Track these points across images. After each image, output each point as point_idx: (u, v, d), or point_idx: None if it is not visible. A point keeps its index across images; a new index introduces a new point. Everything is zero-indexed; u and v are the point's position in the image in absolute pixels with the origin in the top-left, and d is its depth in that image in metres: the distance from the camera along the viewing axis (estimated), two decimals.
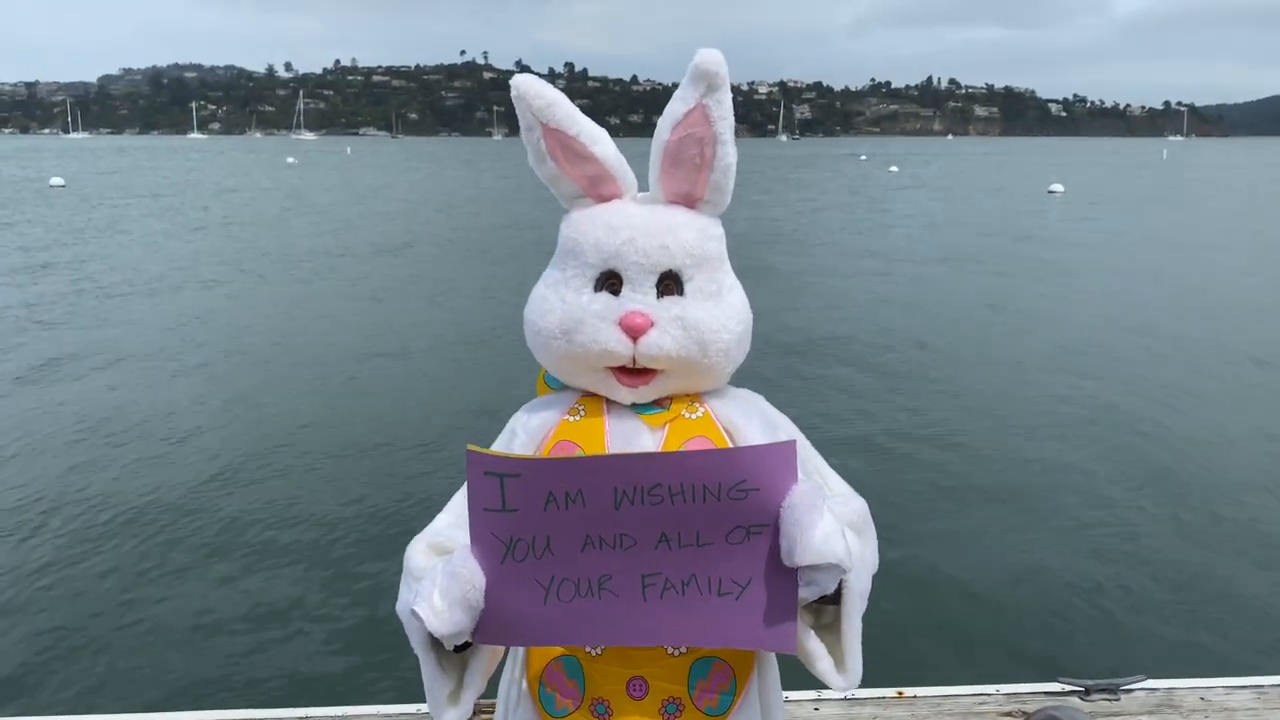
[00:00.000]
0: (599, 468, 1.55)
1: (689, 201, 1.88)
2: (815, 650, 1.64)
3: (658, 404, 1.84)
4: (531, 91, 1.77)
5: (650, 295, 1.78)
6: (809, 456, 1.87)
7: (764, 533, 1.53)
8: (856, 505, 1.75)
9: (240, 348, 12.75)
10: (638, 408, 1.83)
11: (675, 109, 1.77)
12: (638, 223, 1.81)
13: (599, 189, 1.88)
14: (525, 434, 1.88)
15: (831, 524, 1.49)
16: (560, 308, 1.81)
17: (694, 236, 1.83)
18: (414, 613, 1.53)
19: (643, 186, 1.93)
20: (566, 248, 1.86)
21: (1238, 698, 3.48)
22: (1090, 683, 3.47)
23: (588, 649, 1.75)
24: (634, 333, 1.74)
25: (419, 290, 17.80)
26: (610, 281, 1.80)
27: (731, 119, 1.78)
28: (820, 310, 15.45)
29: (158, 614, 5.78)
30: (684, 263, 1.80)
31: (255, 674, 5.16)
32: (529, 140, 1.82)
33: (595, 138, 1.82)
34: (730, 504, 1.52)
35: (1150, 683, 3.53)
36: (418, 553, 1.74)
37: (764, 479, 1.52)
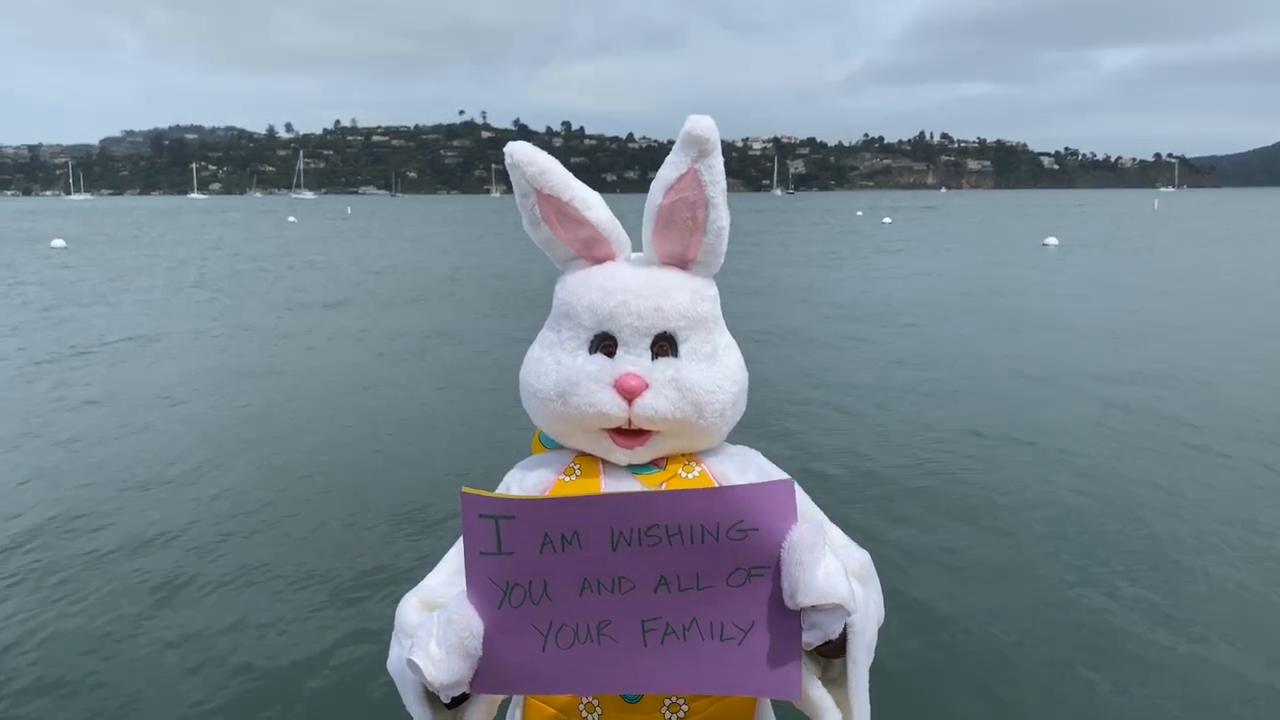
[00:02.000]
0: (595, 507, 1.53)
1: (682, 263, 1.90)
2: (822, 701, 1.61)
3: (654, 464, 1.85)
4: (525, 159, 1.81)
5: (645, 357, 1.80)
6: (808, 509, 1.86)
7: (765, 575, 1.51)
8: (859, 555, 1.75)
9: (236, 402, 12.74)
10: (633, 468, 1.84)
11: (667, 174, 1.80)
12: (631, 285, 1.84)
13: (593, 251, 1.91)
14: (520, 492, 1.89)
15: (834, 563, 1.47)
16: (555, 370, 1.83)
17: (688, 298, 1.85)
18: (411, 663, 1.50)
19: (636, 246, 1.97)
20: (561, 310, 1.89)
21: None
22: None
23: (583, 711, 1.75)
24: (629, 395, 1.75)
25: (415, 346, 17.83)
26: (605, 343, 1.82)
27: (723, 183, 1.81)
28: (816, 362, 15.48)
29: (151, 676, 5.71)
30: (678, 324, 1.83)
31: None
32: (523, 206, 1.86)
33: (589, 203, 1.85)
34: (729, 544, 1.51)
35: None
36: (409, 609, 1.72)
37: (763, 519, 1.50)
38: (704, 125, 1.76)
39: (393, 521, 8.23)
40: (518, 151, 1.82)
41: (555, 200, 1.83)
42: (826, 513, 1.91)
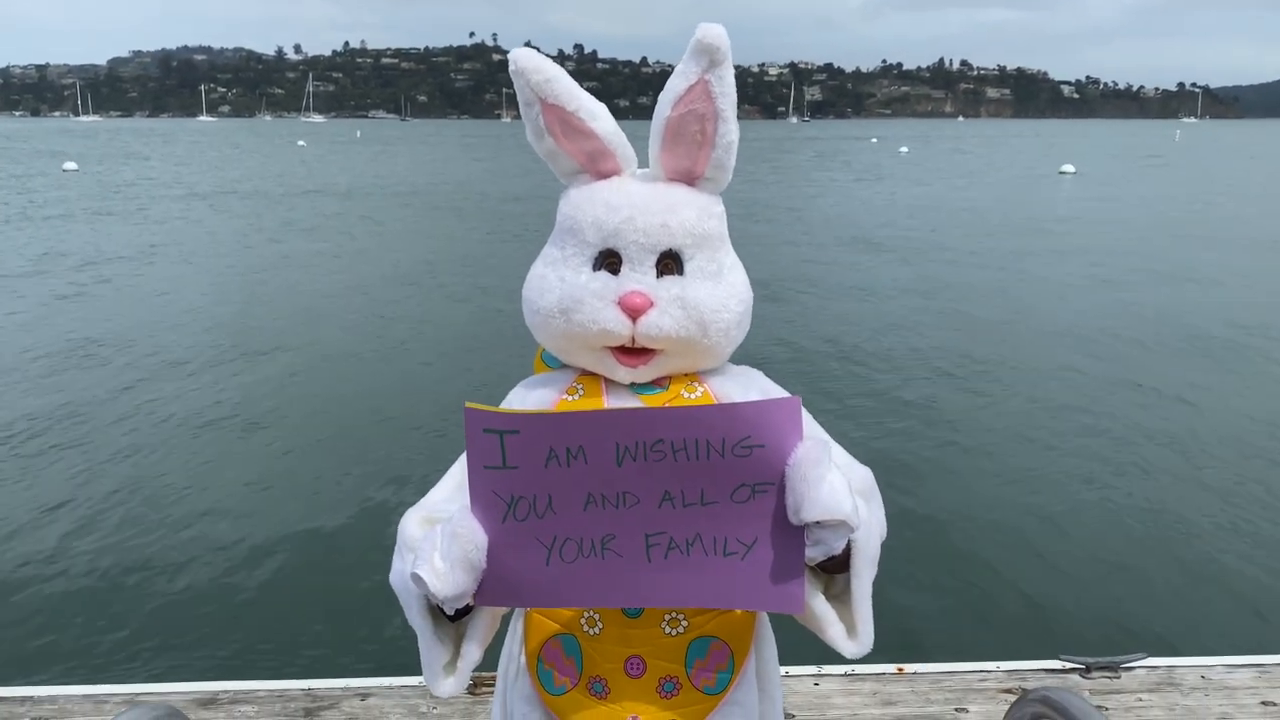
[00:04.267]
0: (601, 422, 1.52)
1: (689, 179, 1.85)
2: (825, 615, 1.62)
3: (656, 383, 1.82)
4: (530, 66, 1.75)
5: (650, 275, 1.76)
6: (811, 428, 1.82)
7: (769, 491, 1.50)
8: (860, 472, 1.74)
9: (242, 324, 12.79)
10: (636, 387, 1.82)
11: (676, 85, 1.74)
12: (638, 201, 1.79)
13: (598, 165, 1.86)
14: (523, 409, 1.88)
15: (838, 479, 1.46)
16: (559, 287, 1.79)
17: (694, 215, 1.80)
18: (416, 576, 1.50)
19: (643, 163, 1.92)
20: (565, 225, 1.84)
21: (1238, 676, 3.49)
22: (1091, 660, 3.49)
23: (584, 625, 1.77)
24: (633, 313, 1.72)
25: (421, 268, 17.81)
26: (609, 260, 1.78)
27: (734, 95, 1.76)
28: (827, 288, 15.41)
29: (163, 588, 5.84)
30: (684, 242, 1.78)
31: (260, 647, 5.21)
32: (527, 116, 1.80)
33: (594, 113, 1.80)
34: (735, 460, 1.50)
35: (1151, 661, 3.54)
36: (412, 523, 1.71)
37: (769, 435, 1.49)
38: (715, 34, 1.70)
39: (395, 439, 8.32)
40: (522, 58, 1.77)
41: (560, 110, 1.78)
42: (827, 429, 1.90)
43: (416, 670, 3.42)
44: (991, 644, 4.69)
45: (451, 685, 1.68)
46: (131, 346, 11.77)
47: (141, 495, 7.20)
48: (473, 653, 1.68)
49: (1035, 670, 3.49)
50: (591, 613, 1.77)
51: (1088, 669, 3.47)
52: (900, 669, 3.50)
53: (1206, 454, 7.84)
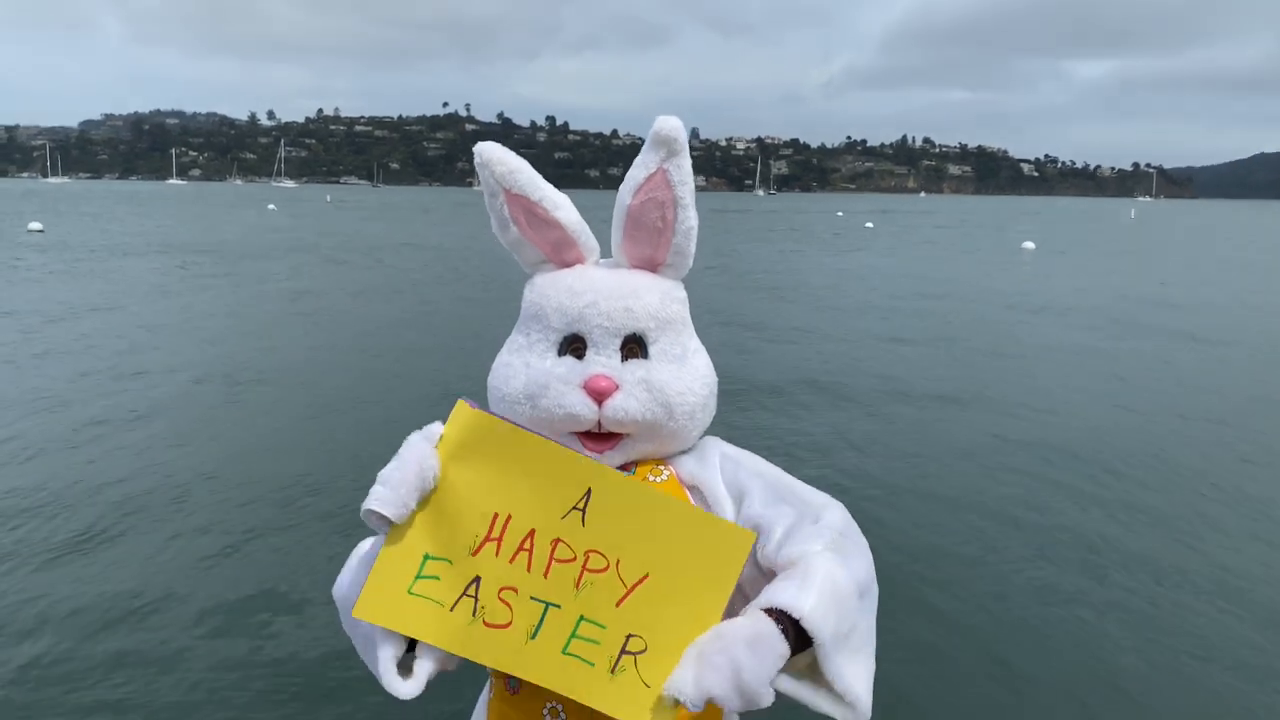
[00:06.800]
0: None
1: (651, 266, 1.90)
2: (797, 693, 1.56)
3: (623, 469, 1.83)
4: (494, 158, 1.80)
5: (614, 359, 1.80)
6: (777, 477, 1.83)
7: None
8: (830, 519, 1.70)
9: (204, 376, 12.63)
10: None
11: (636, 174, 1.80)
12: (601, 286, 1.83)
13: (562, 254, 1.90)
14: None
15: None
16: (525, 373, 1.82)
17: (657, 299, 1.85)
18: (369, 512, 1.64)
19: (605, 253, 1.96)
20: (530, 312, 1.88)
21: None
22: None
23: (546, 716, 1.76)
24: (599, 396, 1.74)
25: (381, 334, 17.76)
26: (574, 345, 1.82)
27: (692, 183, 1.82)
28: (794, 358, 15.52)
29: (91, 638, 5.65)
30: (648, 325, 1.82)
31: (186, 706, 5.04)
32: (492, 207, 1.84)
33: (557, 203, 1.84)
34: None
35: None
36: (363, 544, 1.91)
37: None
38: (671, 125, 1.76)
39: (328, 513, 8.21)
40: (486, 151, 1.81)
41: (524, 200, 1.82)
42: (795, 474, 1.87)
43: None
44: None
45: (409, 687, 1.64)
46: (70, 403, 11.59)
47: (68, 535, 7.02)
48: (427, 665, 1.66)
49: None
50: (554, 703, 1.76)
51: None
52: None
53: (1164, 533, 7.88)
